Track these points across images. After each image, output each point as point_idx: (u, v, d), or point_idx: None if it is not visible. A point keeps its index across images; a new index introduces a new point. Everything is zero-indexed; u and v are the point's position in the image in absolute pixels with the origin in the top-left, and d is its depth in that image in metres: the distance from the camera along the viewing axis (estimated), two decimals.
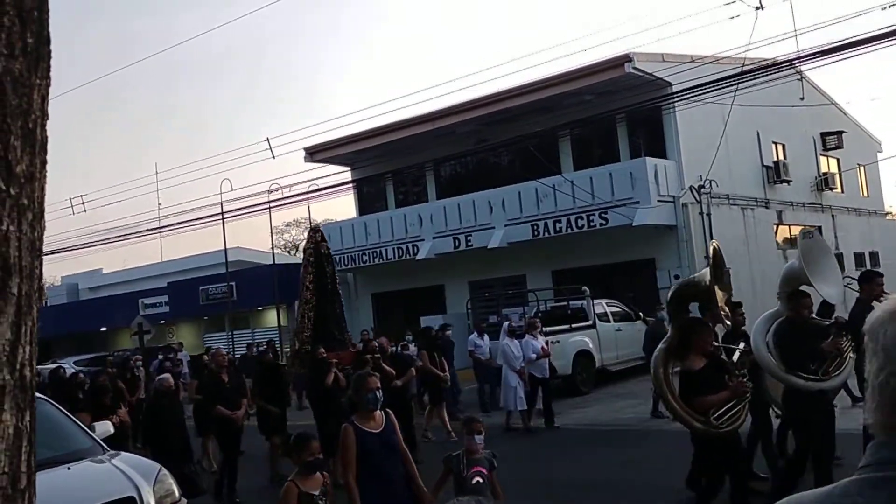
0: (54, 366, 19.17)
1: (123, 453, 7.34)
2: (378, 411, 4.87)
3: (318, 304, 11.94)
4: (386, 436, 4.78)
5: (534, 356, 12.14)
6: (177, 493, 6.38)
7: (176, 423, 8.86)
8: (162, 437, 8.56)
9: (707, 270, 6.30)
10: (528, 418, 12.05)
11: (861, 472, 1.13)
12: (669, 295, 5.40)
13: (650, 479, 8.07)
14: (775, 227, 22.30)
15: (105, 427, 7.90)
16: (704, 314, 6.89)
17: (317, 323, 11.83)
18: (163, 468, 6.51)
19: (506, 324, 13.15)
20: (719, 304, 6.50)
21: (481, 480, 4.93)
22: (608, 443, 10.61)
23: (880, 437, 1.11)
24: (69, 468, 6.06)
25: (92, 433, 7.17)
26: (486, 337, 14.87)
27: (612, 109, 17.94)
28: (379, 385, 4.92)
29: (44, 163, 1.40)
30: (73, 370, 17.03)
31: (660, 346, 5.91)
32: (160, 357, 18.05)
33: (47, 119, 1.44)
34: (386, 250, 23.55)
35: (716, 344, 6.26)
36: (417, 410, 13.92)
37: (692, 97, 15.44)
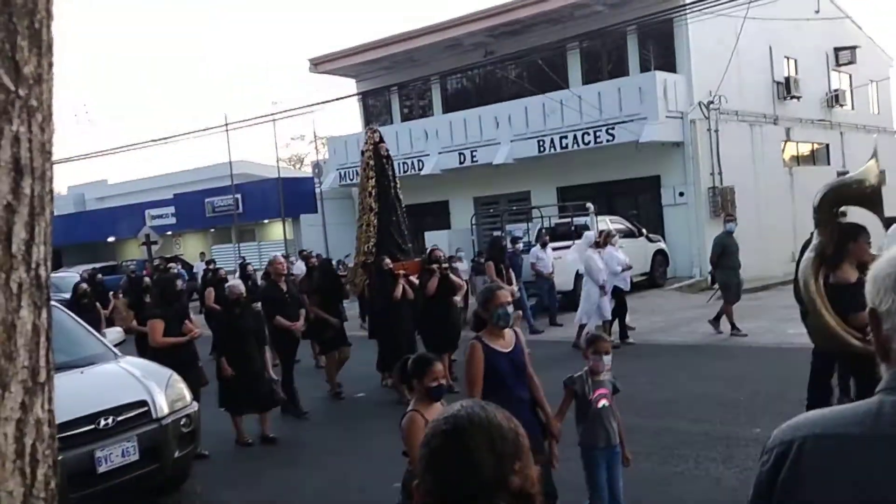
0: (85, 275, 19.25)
1: (135, 359, 7.56)
2: (508, 329, 4.46)
3: (381, 212, 10.79)
4: (516, 356, 4.41)
5: (618, 269, 11.58)
6: (188, 398, 6.55)
7: (251, 333, 8.14)
8: (238, 347, 7.90)
9: (871, 166, 5.24)
10: (608, 332, 11.20)
11: (892, 394, 1.23)
12: (820, 197, 4.50)
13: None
14: (783, 144, 22.09)
15: (116, 333, 8.11)
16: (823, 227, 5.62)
17: (380, 232, 10.74)
18: (174, 373, 6.68)
19: (590, 234, 12.21)
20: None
21: (607, 403, 4.65)
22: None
23: None
24: (82, 372, 6.20)
25: (103, 339, 7.36)
26: (548, 250, 14.36)
27: (623, 21, 17.53)
28: (510, 299, 4.48)
29: (51, 64, 1.40)
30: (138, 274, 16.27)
31: (807, 254, 5.00)
32: (206, 267, 17.95)
33: (52, 20, 1.43)
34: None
35: (873, 253, 5.36)
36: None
37: (705, 9, 15.06)
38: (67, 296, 12.14)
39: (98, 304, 12.21)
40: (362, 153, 11.23)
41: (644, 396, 8.36)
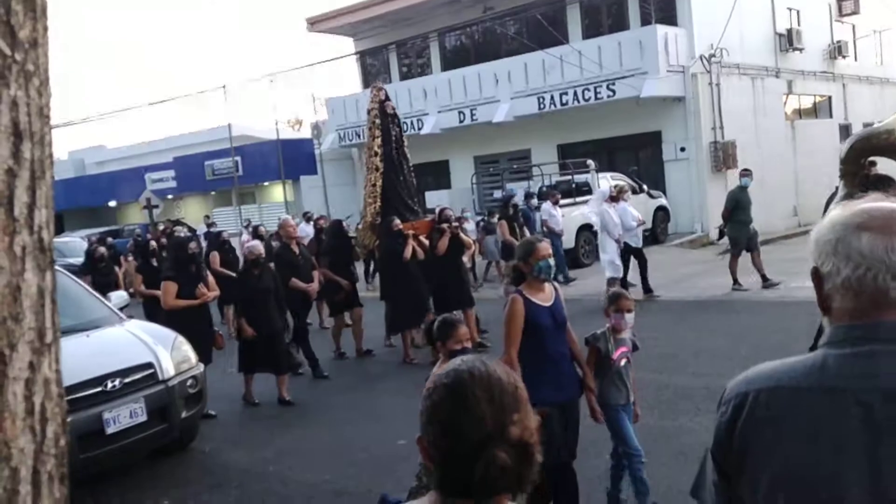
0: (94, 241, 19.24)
1: (140, 322, 7.61)
2: (548, 283, 4.37)
3: (387, 172, 10.54)
4: (557, 310, 4.34)
5: (633, 224, 11.54)
6: (193, 360, 6.62)
7: (271, 293, 8.11)
8: (257, 308, 7.88)
9: None
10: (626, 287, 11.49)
11: (834, 348, 1.36)
12: (848, 147, 4.42)
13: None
14: (785, 97, 21.90)
15: (120, 296, 8.16)
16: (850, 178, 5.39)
17: (387, 192, 10.50)
18: (179, 335, 6.74)
19: (606, 188, 12.07)
20: None
21: (628, 362, 4.64)
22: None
23: (848, 321, 1.35)
24: (88, 336, 6.24)
25: (107, 302, 7.41)
26: (559, 208, 14.38)
27: None
28: (551, 252, 4.39)
29: (45, 28, 1.40)
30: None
31: (834, 206, 4.96)
32: (206, 230, 17.90)
33: None
34: None
35: None
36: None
37: None
38: (72, 261, 12.14)
39: (115, 267, 12.38)
40: (368, 112, 10.99)
41: (645, 351, 8.32)
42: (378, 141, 10.64)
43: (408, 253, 9.19)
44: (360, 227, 11.23)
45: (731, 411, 1.42)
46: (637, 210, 12.17)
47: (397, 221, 9.59)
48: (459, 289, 9.46)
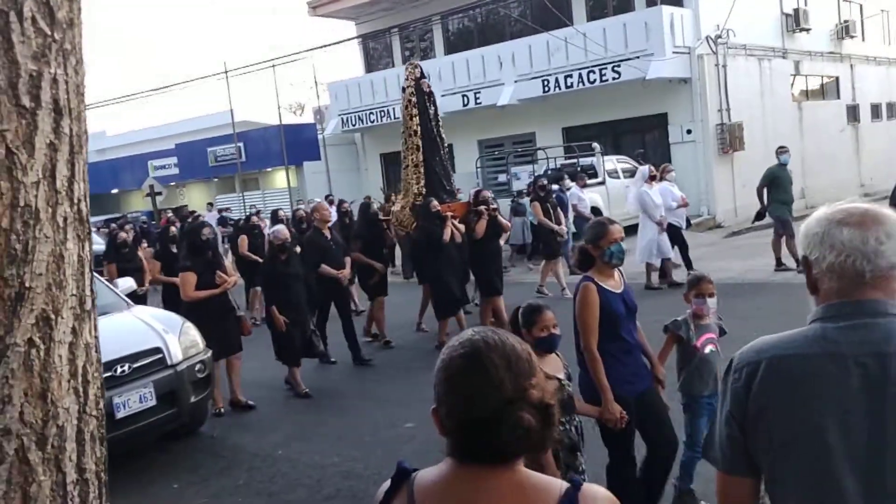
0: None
1: (147, 307, 7.62)
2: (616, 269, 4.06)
3: (426, 151, 10.14)
4: (628, 296, 4.06)
5: (674, 204, 11.16)
6: (201, 345, 6.66)
7: (299, 279, 7.90)
8: (287, 295, 7.70)
9: None
10: (670, 271, 11.12)
11: (830, 322, 1.65)
12: None
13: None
14: (792, 78, 21.79)
15: (128, 283, 8.17)
16: None
17: (427, 171, 10.12)
18: (186, 320, 6.75)
19: (644, 168, 11.62)
20: None
21: (715, 349, 4.37)
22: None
23: (837, 299, 1.66)
24: None
25: (115, 288, 7.42)
26: (587, 190, 13.88)
27: None
28: (623, 235, 4.09)
29: (80, 9, 1.45)
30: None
31: None
32: (220, 215, 17.51)
33: None
34: (394, 109, 23.18)
35: None
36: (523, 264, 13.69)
37: None
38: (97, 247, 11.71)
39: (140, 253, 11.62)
40: (403, 90, 10.64)
41: (659, 336, 8.43)
42: (416, 119, 10.33)
43: (447, 235, 8.91)
44: (396, 207, 10.87)
45: (745, 377, 1.69)
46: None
47: (435, 203, 9.33)
48: (499, 273, 9.23)
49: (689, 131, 19.07)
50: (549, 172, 15.91)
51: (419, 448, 5.74)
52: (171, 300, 9.20)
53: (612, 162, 17.54)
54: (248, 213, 14.47)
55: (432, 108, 10.58)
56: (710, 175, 18.49)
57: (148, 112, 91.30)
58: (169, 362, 6.25)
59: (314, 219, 8.96)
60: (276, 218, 12.95)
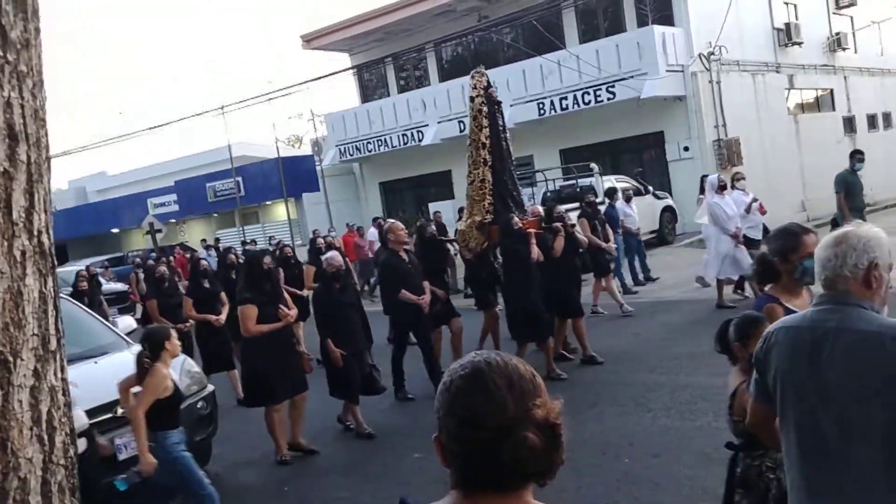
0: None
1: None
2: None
3: (495, 165, 9.41)
4: None
5: (755, 217, 10.47)
6: (204, 381, 6.56)
7: (354, 308, 7.33)
8: (342, 326, 7.05)
9: None
10: (742, 286, 10.35)
11: (815, 307, 2.36)
12: None
13: None
14: (787, 92, 21.83)
15: (127, 322, 8.08)
16: None
17: (496, 187, 9.30)
18: (188, 358, 6.64)
19: (713, 178, 10.71)
20: None
21: None
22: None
23: (833, 290, 2.31)
24: (96, 362, 6.20)
25: (115, 328, 7.33)
26: (633, 205, 13.44)
27: None
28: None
29: (37, 30, 1.36)
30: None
31: None
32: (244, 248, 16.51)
33: None
34: (391, 138, 23.28)
35: None
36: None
37: None
38: (113, 286, 10.61)
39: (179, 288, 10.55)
40: (471, 99, 9.79)
41: (660, 353, 8.33)
42: (486, 132, 9.49)
43: (535, 254, 8.18)
44: (462, 226, 9.89)
45: (764, 342, 2.41)
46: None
47: (517, 220, 8.58)
48: (577, 294, 8.75)
49: (686, 148, 19.07)
50: (549, 194, 15.86)
51: (427, 480, 5.63)
52: (207, 340, 8.77)
53: (611, 181, 17.47)
54: (278, 244, 13.86)
55: (501, 119, 9.84)
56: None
57: (147, 150, 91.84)
58: None
59: (389, 240, 8.26)
60: (314, 245, 12.22)
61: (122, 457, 5.63)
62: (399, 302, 7.88)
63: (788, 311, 3.27)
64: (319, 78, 19.77)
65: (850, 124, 23.94)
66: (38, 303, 1.28)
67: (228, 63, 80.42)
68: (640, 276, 12.99)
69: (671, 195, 18.82)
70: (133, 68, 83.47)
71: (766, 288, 3.46)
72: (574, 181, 17.35)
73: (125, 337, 7.13)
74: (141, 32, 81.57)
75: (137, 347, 7.00)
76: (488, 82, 9.84)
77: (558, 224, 8.58)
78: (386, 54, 23.15)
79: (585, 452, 5.63)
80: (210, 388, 6.58)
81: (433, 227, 10.00)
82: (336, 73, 21.81)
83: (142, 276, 14.36)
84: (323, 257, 7.67)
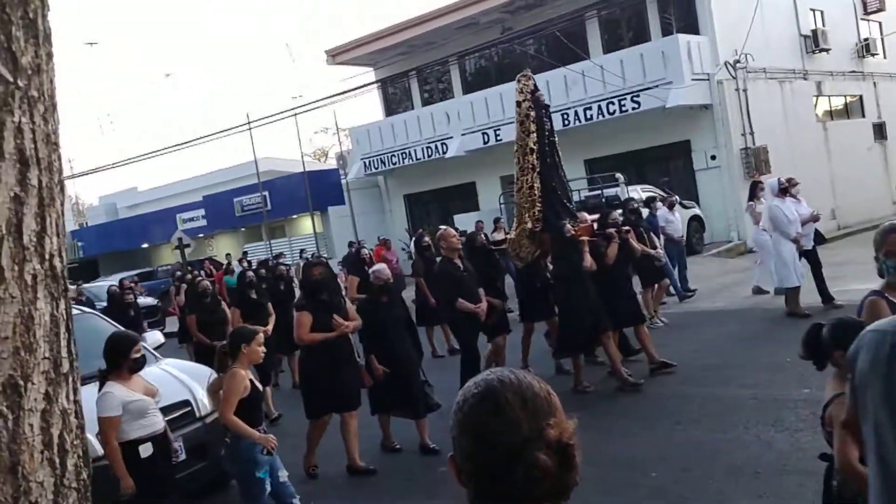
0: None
1: (174, 360, 7.58)
2: None
3: (543, 171, 8.98)
4: None
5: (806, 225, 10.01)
6: None
7: (402, 322, 7.12)
8: (388, 341, 6.77)
9: None
10: (795, 301, 9.92)
11: None
12: None
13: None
14: (815, 99, 21.57)
15: (155, 337, 8.16)
16: None
17: (546, 194, 8.93)
18: (213, 372, 6.68)
19: (773, 181, 10.36)
20: None
21: None
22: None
23: None
24: None
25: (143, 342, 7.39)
26: (676, 213, 13.13)
27: None
28: None
29: (49, 55, 1.37)
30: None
31: None
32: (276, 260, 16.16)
33: (48, 9, 1.41)
34: (415, 150, 23.36)
35: None
36: None
37: None
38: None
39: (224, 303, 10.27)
40: (518, 104, 9.37)
41: (689, 364, 8.23)
42: (534, 136, 9.07)
43: (588, 261, 8.01)
44: (512, 235, 9.59)
45: (856, 342, 2.19)
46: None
47: (569, 227, 8.30)
48: (633, 303, 8.55)
49: (713, 157, 18.88)
50: (573, 205, 15.75)
51: (450, 492, 5.58)
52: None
53: (637, 191, 17.35)
54: (309, 256, 13.73)
55: (549, 123, 9.39)
56: (736, 200, 18.23)
57: (176, 165, 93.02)
58: (198, 415, 6.17)
59: (441, 247, 8.03)
60: (359, 255, 12.04)
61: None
62: (457, 308, 7.66)
63: (893, 305, 3.30)
64: (344, 92, 19.90)
65: (880, 130, 23.58)
66: (49, 326, 1.29)
67: (256, 79, 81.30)
68: (679, 287, 12.45)
69: (698, 204, 18.65)
70: (164, 83, 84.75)
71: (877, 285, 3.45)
72: (599, 191, 17.26)
73: (153, 351, 7.19)
74: (172, 54, 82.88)
75: (167, 361, 7.11)
76: (535, 85, 9.47)
77: (612, 231, 8.35)
78: (410, 68, 23.27)
79: (613, 466, 5.57)
80: None
81: (483, 236, 9.76)
82: (361, 87, 21.96)
83: (183, 287, 14.27)
84: (370, 270, 7.47)
